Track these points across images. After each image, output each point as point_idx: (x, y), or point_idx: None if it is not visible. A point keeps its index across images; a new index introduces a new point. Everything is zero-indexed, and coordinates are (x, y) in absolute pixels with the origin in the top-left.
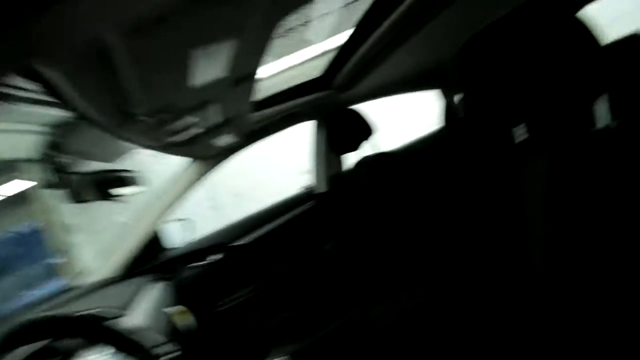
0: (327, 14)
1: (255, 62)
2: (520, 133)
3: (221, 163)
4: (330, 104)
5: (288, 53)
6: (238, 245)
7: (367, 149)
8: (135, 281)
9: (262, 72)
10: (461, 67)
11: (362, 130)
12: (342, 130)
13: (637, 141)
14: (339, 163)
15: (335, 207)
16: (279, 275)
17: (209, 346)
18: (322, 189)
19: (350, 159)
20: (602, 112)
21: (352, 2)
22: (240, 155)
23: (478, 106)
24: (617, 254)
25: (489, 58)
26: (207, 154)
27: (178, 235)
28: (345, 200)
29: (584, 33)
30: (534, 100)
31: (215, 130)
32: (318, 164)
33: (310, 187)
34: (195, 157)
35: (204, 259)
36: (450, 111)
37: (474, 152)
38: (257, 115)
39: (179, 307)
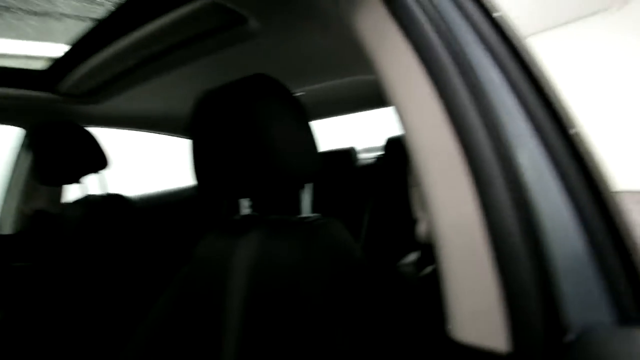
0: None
1: None
2: (245, 206)
3: None
4: (49, 113)
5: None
6: None
7: (92, 185)
8: None
9: None
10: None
11: (91, 158)
12: (58, 151)
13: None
14: (43, 197)
15: (20, 259)
16: None
17: None
18: (6, 229)
19: (67, 195)
20: (305, 204)
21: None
22: None
23: (199, 169)
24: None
25: (211, 122)
26: None
27: None
28: (39, 251)
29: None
30: (250, 177)
31: None
32: (10, 192)
33: None
34: None
35: None
36: None
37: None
38: None
39: None
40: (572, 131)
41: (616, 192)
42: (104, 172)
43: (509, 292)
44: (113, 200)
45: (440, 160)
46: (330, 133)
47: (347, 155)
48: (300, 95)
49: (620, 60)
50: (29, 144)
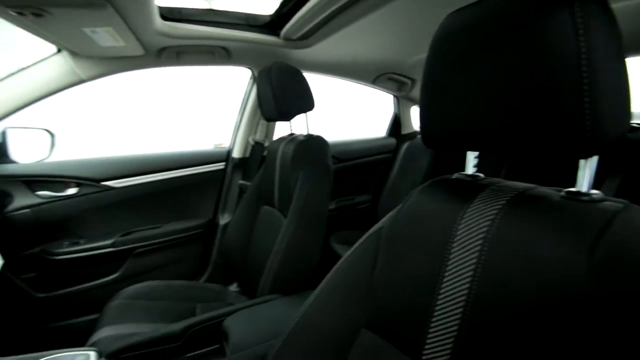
0: None
1: None
2: (473, 163)
3: None
4: (272, 56)
5: None
6: None
7: (300, 123)
8: None
9: None
10: None
11: (303, 100)
12: (278, 90)
13: None
14: (262, 131)
15: (244, 178)
16: None
17: None
18: (236, 154)
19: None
20: (586, 175)
21: None
22: None
23: (435, 109)
24: None
25: (468, 44)
26: None
27: None
28: (255, 174)
29: None
30: (526, 126)
31: None
32: (240, 125)
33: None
34: None
35: None
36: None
37: None
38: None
39: None
40: None
41: None
42: (307, 115)
43: None
44: (316, 141)
45: None
46: None
47: None
48: None
49: None
50: (256, 83)
